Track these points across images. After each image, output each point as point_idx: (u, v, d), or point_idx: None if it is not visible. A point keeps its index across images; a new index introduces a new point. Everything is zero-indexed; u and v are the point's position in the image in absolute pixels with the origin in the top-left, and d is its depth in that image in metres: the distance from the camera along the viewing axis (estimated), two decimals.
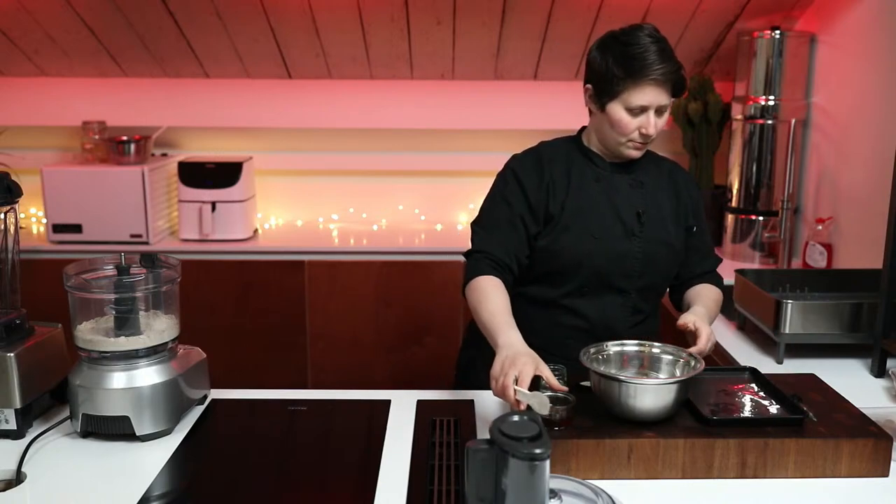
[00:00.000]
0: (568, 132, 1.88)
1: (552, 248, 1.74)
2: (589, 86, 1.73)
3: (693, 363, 1.51)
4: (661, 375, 1.54)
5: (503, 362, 1.45)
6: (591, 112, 1.77)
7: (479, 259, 1.73)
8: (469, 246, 1.79)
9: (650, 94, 1.65)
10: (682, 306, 1.85)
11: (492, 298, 1.63)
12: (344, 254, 3.10)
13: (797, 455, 1.37)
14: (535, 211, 1.75)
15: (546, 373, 1.44)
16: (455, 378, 1.99)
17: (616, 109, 1.68)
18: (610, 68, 1.67)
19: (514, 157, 1.83)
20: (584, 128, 1.84)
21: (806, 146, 3.01)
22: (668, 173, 1.85)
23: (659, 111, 1.69)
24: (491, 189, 1.83)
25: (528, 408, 1.35)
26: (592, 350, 1.54)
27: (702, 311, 1.70)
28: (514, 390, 1.38)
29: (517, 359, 1.44)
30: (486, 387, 1.50)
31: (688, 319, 1.62)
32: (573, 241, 1.73)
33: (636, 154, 1.75)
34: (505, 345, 1.50)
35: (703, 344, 1.58)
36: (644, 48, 1.64)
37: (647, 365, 1.57)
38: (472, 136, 3.47)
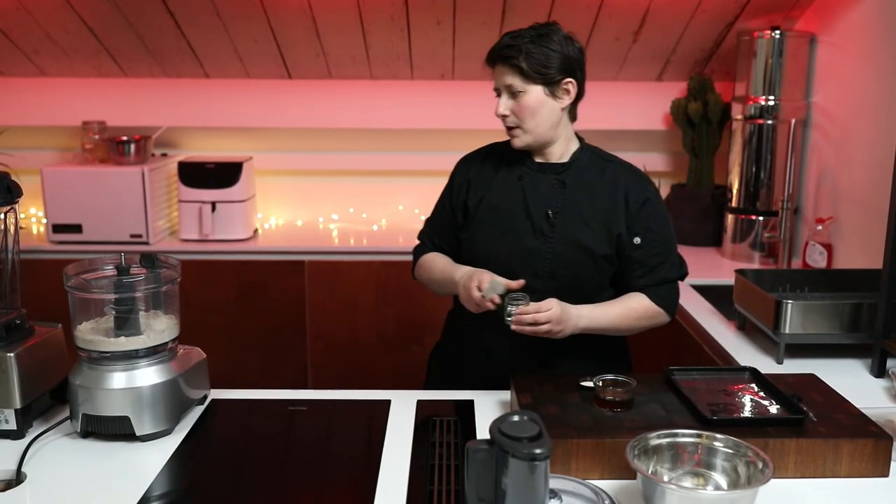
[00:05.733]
0: None
1: (468, 241, 1.83)
2: None
3: (761, 466, 1.25)
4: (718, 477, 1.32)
5: (464, 285, 1.66)
6: None
7: (419, 246, 1.96)
8: None
9: (497, 77, 1.73)
10: None
11: (437, 262, 1.85)
12: (344, 254, 3.10)
13: (797, 455, 1.37)
14: (454, 205, 1.86)
15: (497, 277, 1.63)
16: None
17: None
18: None
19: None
20: None
21: (806, 146, 3.01)
22: (610, 176, 1.77)
23: (510, 92, 1.71)
24: None
25: (500, 304, 1.60)
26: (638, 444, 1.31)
27: (586, 307, 1.69)
28: (481, 295, 1.60)
29: (472, 276, 1.65)
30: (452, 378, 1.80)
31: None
32: (483, 236, 1.80)
33: (515, 143, 1.75)
34: (460, 275, 1.71)
35: (530, 308, 1.58)
36: (506, 37, 1.71)
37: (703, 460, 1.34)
38: (472, 136, 3.44)
